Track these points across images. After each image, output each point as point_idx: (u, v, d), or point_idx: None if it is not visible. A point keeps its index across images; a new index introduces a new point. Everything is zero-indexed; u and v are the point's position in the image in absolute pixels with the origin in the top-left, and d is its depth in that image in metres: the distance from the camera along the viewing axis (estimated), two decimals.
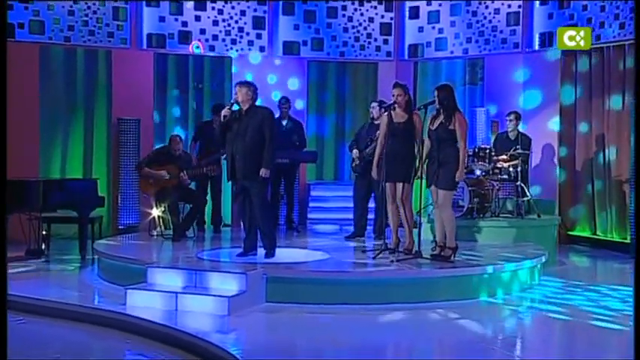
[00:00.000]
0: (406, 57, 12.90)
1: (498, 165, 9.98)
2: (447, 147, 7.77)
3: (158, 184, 9.59)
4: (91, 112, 11.90)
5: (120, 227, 11.46)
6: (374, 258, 7.94)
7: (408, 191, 8.20)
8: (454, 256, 7.85)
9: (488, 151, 9.80)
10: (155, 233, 9.78)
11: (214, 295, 6.77)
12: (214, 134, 10.44)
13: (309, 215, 11.74)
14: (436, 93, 7.81)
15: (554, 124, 11.69)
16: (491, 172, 9.96)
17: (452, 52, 12.54)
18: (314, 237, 10.18)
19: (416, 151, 8.09)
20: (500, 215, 10.06)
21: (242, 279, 6.95)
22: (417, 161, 7.98)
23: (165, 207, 9.86)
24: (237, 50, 12.35)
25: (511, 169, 10.00)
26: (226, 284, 6.97)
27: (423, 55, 12.77)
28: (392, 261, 7.77)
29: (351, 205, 10.35)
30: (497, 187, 9.97)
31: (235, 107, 7.90)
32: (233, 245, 9.04)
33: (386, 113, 8.24)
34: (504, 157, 10.07)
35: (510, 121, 10.49)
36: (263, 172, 7.72)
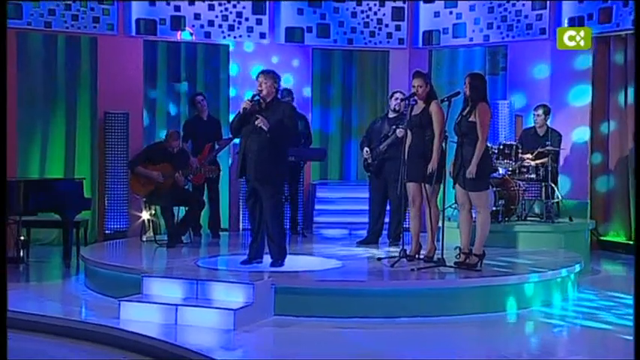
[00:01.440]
0: (420, 45, 12.83)
1: (525, 163, 9.92)
2: (469, 143, 7.73)
3: (151, 184, 9.54)
4: (73, 105, 11.82)
5: (107, 232, 11.39)
6: (392, 266, 7.90)
7: (432, 192, 8.14)
8: (481, 265, 7.80)
9: (514, 148, 9.72)
10: (145, 238, 9.72)
11: (218, 308, 6.72)
12: (203, 129, 10.47)
13: (315, 218, 11.71)
14: (467, 81, 7.76)
15: (584, 118, 11.61)
16: (517, 172, 9.90)
17: (471, 40, 12.47)
18: (322, 242, 10.16)
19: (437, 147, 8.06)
20: (527, 219, 10.03)
21: (249, 290, 6.91)
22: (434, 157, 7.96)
23: (155, 210, 9.82)
24: (234, 37, 12.25)
25: (539, 167, 9.91)
26: (231, 295, 6.92)
27: (438, 42, 12.70)
28: (412, 269, 7.72)
29: (360, 207, 10.37)
30: (523, 188, 9.89)
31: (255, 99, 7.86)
32: (234, 252, 9.01)
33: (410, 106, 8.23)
34: (529, 154, 10.02)
35: (539, 115, 10.44)
36: (260, 121, 7.58)
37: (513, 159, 9.72)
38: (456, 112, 8.02)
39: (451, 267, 7.76)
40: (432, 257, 8.12)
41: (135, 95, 11.81)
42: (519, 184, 9.91)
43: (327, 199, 11.99)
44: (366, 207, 10.03)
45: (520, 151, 9.81)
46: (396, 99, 9.60)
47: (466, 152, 7.71)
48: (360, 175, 13.18)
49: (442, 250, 7.85)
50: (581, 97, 11.59)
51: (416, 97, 8.16)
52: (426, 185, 8.08)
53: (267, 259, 7.94)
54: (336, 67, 13.30)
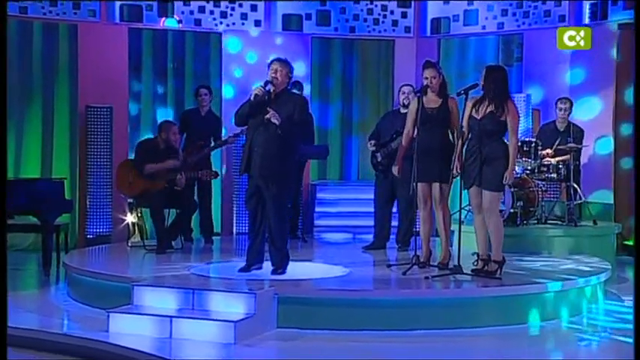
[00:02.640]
0: (428, 33, 12.81)
1: (545, 162, 9.88)
2: (494, 141, 7.71)
3: (140, 185, 9.44)
4: (50, 98, 11.79)
5: (88, 237, 11.36)
6: (404, 274, 7.85)
7: (445, 193, 8.12)
8: (500, 272, 7.75)
9: (533, 145, 9.69)
10: (131, 243, 9.69)
11: (217, 320, 6.66)
12: (199, 124, 10.39)
13: (316, 221, 11.71)
14: (484, 73, 7.71)
15: (608, 112, 11.56)
16: (536, 171, 9.86)
17: (483, 28, 12.45)
18: (325, 248, 10.17)
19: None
20: (548, 222, 10.00)
21: (250, 300, 6.85)
22: (454, 156, 7.90)
23: (141, 212, 9.74)
24: (227, 25, 12.17)
25: (560, 166, 9.87)
26: (231, 306, 6.87)
27: (448, 30, 12.68)
28: (426, 278, 7.68)
29: (364, 209, 10.30)
30: (543, 188, 9.85)
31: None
32: (229, 258, 9.00)
33: (416, 99, 8.17)
34: (548, 151, 10.01)
35: (565, 109, 10.40)
36: (272, 115, 7.54)
37: (532, 157, 9.68)
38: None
39: (468, 275, 7.72)
40: (447, 264, 8.07)
41: (119, 87, 11.75)
42: (539, 185, 9.86)
43: (327, 200, 11.98)
44: (371, 209, 10.02)
45: (540, 148, 9.77)
46: (404, 93, 9.55)
47: (490, 150, 7.67)
48: (361, 174, 13.20)
49: (458, 256, 7.79)
50: (606, 88, 11.54)
51: (428, 88, 8.10)
52: (442, 185, 8.05)
53: (267, 265, 7.90)
54: (336, 57, 13.27)
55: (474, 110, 7.77)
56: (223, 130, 11.00)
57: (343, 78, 13.27)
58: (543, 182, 9.97)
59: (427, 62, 8.26)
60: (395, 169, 8.47)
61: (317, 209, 11.80)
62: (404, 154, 8.31)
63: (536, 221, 9.88)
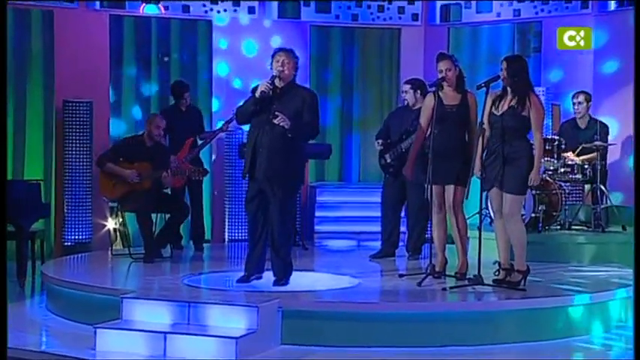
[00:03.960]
0: (437, 21, 12.80)
1: (569, 161, 9.88)
2: (516, 138, 7.71)
3: (125, 186, 9.43)
4: (22, 92, 11.67)
5: (66, 244, 11.27)
6: (419, 285, 7.84)
7: (461, 196, 8.11)
8: (525, 283, 7.74)
9: (556, 143, 9.68)
10: (114, 252, 9.71)
11: (216, 336, 6.64)
12: (182, 121, 10.35)
13: (316, 227, 11.75)
14: (504, 65, 7.71)
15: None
16: (558, 171, 9.86)
17: (498, 15, 12.42)
18: (329, 256, 10.22)
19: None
20: (572, 227, 10.01)
21: (252, 314, 6.84)
22: (475, 156, 7.88)
23: (124, 217, 9.69)
24: (218, 11, 12.12)
25: (586, 166, 9.85)
26: (231, 321, 6.85)
27: (459, 18, 12.67)
28: (444, 289, 7.69)
29: (369, 214, 10.30)
30: (567, 191, 9.86)
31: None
32: (224, 267, 9.05)
33: (431, 94, 8.18)
34: (570, 154, 10.02)
35: (580, 103, 10.37)
36: (281, 119, 7.51)
37: (555, 156, 9.67)
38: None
39: (489, 286, 7.71)
40: (465, 274, 8.08)
41: (100, 80, 11.68)
42: (562, 187, 9.86)
43: (328, 204, 11.99)
44: (375, 213, 10.02)
45: (564, 146, 9.78)
46: (406, 91, 9.59)
47: (512, 149, 7.66)
48: (362, 175, 13.16)
49: (479, 265, 7.75)
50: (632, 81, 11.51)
51: (444, 82, 8.09)
52: (459, 188, 8.06)
53: (267, 275, 7.90)
54: (335, 47, 13.24)
55: (494, 106, 7.77)
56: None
57: (343, 70, 13.24)
58: (567, 184, 9.95)
59: (441, 54, 8.28)
60: (407, 172, 8.39)
61: (317, 213, 11.78)
62: (416, 155, 8.25)
63: (559, 227, 9.89)
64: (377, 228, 9.98)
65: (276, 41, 12.14)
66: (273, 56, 7.78)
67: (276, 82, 7.67)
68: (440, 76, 8.09)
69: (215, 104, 12.17)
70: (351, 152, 13.27)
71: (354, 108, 13.23)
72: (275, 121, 7.51)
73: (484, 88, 7.77)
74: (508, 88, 7.72)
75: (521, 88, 7.67)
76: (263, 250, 7.85)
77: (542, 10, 12.09)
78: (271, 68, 7.76)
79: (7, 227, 8.43)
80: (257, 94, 7.62)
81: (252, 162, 7.69)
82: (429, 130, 8.05)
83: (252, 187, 7.81)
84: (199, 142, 10.65)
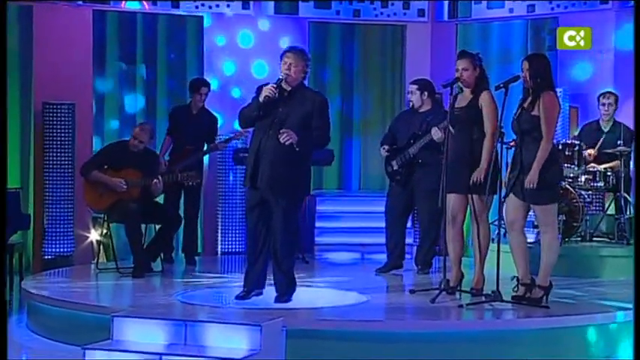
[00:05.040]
0: (445, 17, 12.80)
1: (590, 168, 9.86)
2: (531, 142, 7.68)
3: (112, 195, 9.40)
4: None
5: (46, 257, 11.23)
6: (432, 302, 7.81)
7: (482, 206, 8.10)
8: (547, 299, 7.74)
9: (576, 148, 9.66)
10: (99, 266, 9.71)
11: (216, 357, 6.49)
12: (190, 125, 10.30)
13: (316, 239, 11.72)
14: (525, 66, 7.69)
15: None
16: (579, 179, 9.84)
17: (511, 11, 12.41)
18: (331, 270, 10.22)
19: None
20: (594, 239, 9.98)
21: (255, 333, 6.67)
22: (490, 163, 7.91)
23: (108, 228, 9.66)
24: (210, 7, 12.09)
25: (609, 173, 9.84)
26: (231, 341, 6.68)
27: (469, 14, 12.68)
28: (460, 306, 7.68)
29: (373, 224, 10.42)
30: (588, 200, 9.83)
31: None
32: (219, 283, 9.06)
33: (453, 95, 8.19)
34: (591, 151, 10.04)
35: (609, 104, 10.37)
36: (287, 136, 7.45)
37: (576, 162, 9.66)
38: (513, 103, 7.92)
39: (508, 302, 7.69)
40: (481, 289, 8.06)
41: (83, 81, 11.67)
42: (583, 195, 9.86)
43: (328, 214, 11.95)
44: (379, 224, 10.02)
45: (585, 151, 9.78)
46: (412, 92, 9.59)
47: (528, 154, 7.64)
48: (363, 183, 13.12)
49: (497, 280, 7.72)
50: None
51: (460, 83, 8.10)
52: (475, 197, 8.03)
53: (268, 292, 7.86)
54: (334, 44, 13.23)
55: (517, 111, 7.80)
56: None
57: (342, 69, 13.26)
58: (588, 192, 9.92)
59: (462, 52, 8.30)
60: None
61: (317, 224, 11.76)
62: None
63: (579, 238, 9.89)
64: (381, 240, 9.97)
65: (272, 39, 12.17)
66: (281, 57, 7.72)
67: (283, 84, 7.61)
68: (456, 75, 8.09)
69: None
70: (351, 158, 13.27)
71: (355, 110, 13.23)
72: (281, 140, 7.45)
73: (503, 89, 7.74)
74: (529, 89, 7.69)
75: (538, 87, 7.65)
76: (264, 265, 7.81)
77: (559, 6, 12.08)
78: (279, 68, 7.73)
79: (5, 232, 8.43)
80: (261, 99, 7.56)
81: (255, 169, 7.63)
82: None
83: (253, 196, 7.75)
84: (204, 149, 10.63)
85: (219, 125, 10.93)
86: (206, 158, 11.17)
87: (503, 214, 8.18)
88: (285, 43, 12.14)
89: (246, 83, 11.51)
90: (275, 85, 7.57)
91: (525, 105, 7.69)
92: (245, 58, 12.17)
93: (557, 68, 12.12)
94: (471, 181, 7.90)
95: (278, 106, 7.59)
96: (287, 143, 7.45)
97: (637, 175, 9.71)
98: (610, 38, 11.71)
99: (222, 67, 12.23)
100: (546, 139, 7.58)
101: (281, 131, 7.47)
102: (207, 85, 10.75)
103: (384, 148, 9.68)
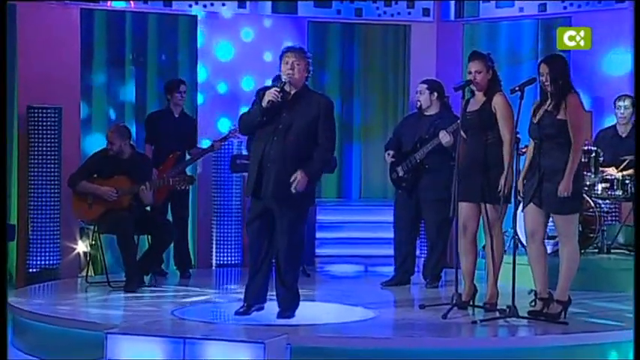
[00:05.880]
0: (451, 17, 12.79)
1: (607, 176, 9.84)
2: (554, 148, 7.66)
3: (102, 205, 9.39)
4: None
5: (31, 270, 11.14)
6: (444, 317, 7.80)
7: (496, 215, 8.09)
8: (565, 315, 7.72)
9: (593, 154, 9.65)
10: (89, 279, 9.73)
11: None
12: (172, 129, 10.26)
13: (317, 250, 11.69)
14: (544, 70, 7.68)
15: None
16: (597, 187, 9.81)
17: (521, 10, 12.39)
18: (335, 283, 10.26)
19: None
20: (612, 251, 9.98)
21: (257, 350, 6.71)
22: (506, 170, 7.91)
23: (96, 239, 9.75)
24: (204, 6, 12.07)
25: (627, 181, 9.83)
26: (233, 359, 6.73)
27: (476, 13, 12.65)
28: (474, 322, 7.67)
29: (377, 235, 10.51)
30: (605, 209, 9.83)
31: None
32: (215, 297, 9.12)
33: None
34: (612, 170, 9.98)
35: (625, 108, 10.32)
36: (296, 175, 7.43)
37: (593, 170, 9.65)
38: (527, 106, 7.90)
39: (525, 318, 7.67)
40: (495, 304, 8.05)
41: (70, 83, 11.59)
42: (600, 205, 9.84)
43: (328, 224, 11.94)
44: (382, 234, 10.19)
45: (602, 159, 9.75)
46: (421, 92, 9.58)
47: (550, 161, 7.63)
48: (364, 191, 13.14)
49: (513, 294, 7.68)
50: None
51: (472, 86, 8.10)
52: (488, 207, 8.01)
53: (270, 306, 7.85)
54: (333, 45, 13.24)
55: (533, 116, 7.78)
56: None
57: (341, 71, 13.27)
58: (605, 201, 9.89)
59: (474, 53, 8.30)
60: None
61: (318, 235, 11.73)
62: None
63: (596, 250, 9.87)
64: (384, 251, 10.09)
65: (269, 39, 12.12)
66: (281, 57, 7.67)
67: (286, 87, 7.56)
68: (468, 77, 8.10)
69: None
70: (351, 165, 13.27)
71: (355, 114, 13.24)
72: (293, 190, 7.44)
73: (518, 93, 7.72)
74: (548, 93, 7.69)
75: (560, 89, 7.65)
76: (266, 278, 7.78)
77: (572, 5, 12.06)
78: (279, 71, 7.66)
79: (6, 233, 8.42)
80: (264, 104, 7.49)
81: (258, 179, 7.57)
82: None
83: (256, 206, 7.72)
84: (187, 157, 10.63)
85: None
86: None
87: (522, 225, 8.13)
88: (284, 44, 12.14)
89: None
90: (278, 89, 7.51)
91: (548, 108, 7.67)
92: (238, 60, 12.10)
93: (572, 70, 12.07)
94: (500, 191, 7.87)
95: (282, 110, 7.54)
96: (300, 189, 7.47)
97: (637, 178, 9.67)
98: (627, 39, 11.67)
99: (215, 70, 12.17)
100: (578, 143, 7.61)
101: (291, 181, 7.45)
102: (185, 83, 10.79)
103: (388, 154, 9.67)
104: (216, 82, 12.08)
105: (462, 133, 8.10)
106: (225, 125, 11.71)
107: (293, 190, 7.44)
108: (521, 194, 7.84)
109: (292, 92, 7.60)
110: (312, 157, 7.55)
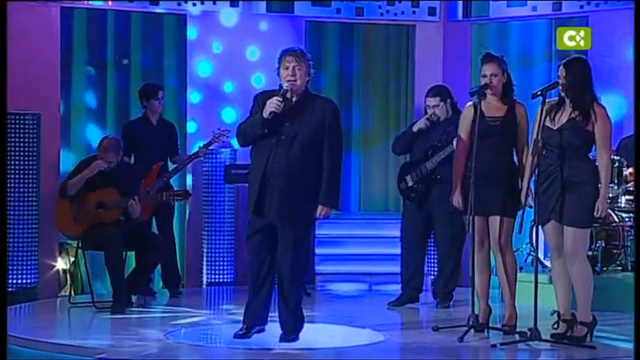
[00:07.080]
0: (459, 16, 12.75)
1: (631, 187, 9.85)
2: (578, 158, 7.68)
3: (87, 219, 9.40)
4: None
5: (8, 290, 10.98)
6: (460, 340, 7.78)
7: (508, 230, 8.10)
8: (592, 337, 7.71)
9: (616, 164, 9.64)
10: (70, 300, 9.70)
11: None
12: (151, 137, 10.22)
13: (317, 267, 11.65)
14: (562, 73, 7.70)
15: None
16: (620, 200, 9.85)
17: (534, 9, 12.37)
18: (338, 303, 10.27)
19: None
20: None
21: None
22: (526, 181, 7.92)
23: (77, 256, 9.79)
24: (193, 5, 12.03)
25: None
26: None
27: (486, 13, 12.62)
28: (494, 345, 7.66)
29: (381, 250, 10.58)
30: (629, 223, 9.84)
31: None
32: (210, 318, 9.15)
33: (471, 105, 8.19)
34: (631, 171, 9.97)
35: None
36: (320, 210, 7.51)
37: (616, 181, 9.63)
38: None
39: (547, 341, 7.66)
40: (514, 326, 8.06)
41: (49, 88, 11.53)
42: (624, 218, 9.84)
43: (329, 239, 11.87)
44: (386, 250, 10.22)
45: (626, 169, 9.77)
46: (435, 105, 9.57)
47: (572, 171, 7.62)
48: (363, 204, 13.11)
49: (535, 316, 7.64)
50: None
51: (488, 90, 8.12)
52: (505, 220, 8.06)
53: (271, 328, 7.81)
54: (331, 47, 13.25)
55: (548, 119, 7.73)
56: None
57: (340, 74, 13.28)
58: (629, 215, 9.88)
59: (487, 55, 8.33)
60: (455, 199, 8.26)
61: (317, 251, 11.66)
62: (461, 180, 8.19)
63: (620, 267, 9.87)
64: (389, 268, 10.13)
65: (264, 41, 12.12)
66: (280, 60, 7.60)
67: (288, 95, 7.51)
68: (483, 82, 8.11)
69: (191, 125, 12.05)
70: (350, 175, 13.23)
71: (354, 120, 13.24)
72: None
73: (540, 97, 7.72)
74: (566, 98, 7.69)
75: (583, 95, 7.64)
76: (267, 297, 7.74)
77: (589, 4, 12.05)
78: (278, 74, 7.60)
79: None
80: (266, 115, 7.43)
81: (261, 195, 7.51)
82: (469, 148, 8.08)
83: (257, 221, 7.67)
84: (170, 166, 10.58)
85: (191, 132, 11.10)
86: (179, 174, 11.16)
87: (545, 240, 8.19)
88: (279, 45, 12.11)
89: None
90: (280, 99, 7.44)
91: (575, 116, 7.66)
92: (231, 62, 12.06)
93: None
94: (529, 207, 7.86)
95: (284, 120, 7.48)
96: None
97: (637, 176, 9.67)
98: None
99: (206, 73, 12.12)
100: (608, 159, 7.68)
101: (317, 217, 7.55)
102: (163, 88, 10.81)
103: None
104: (210, 81, 12.05)
105: (471, 140, 8.08)
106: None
107: (318, 214, 7.55)
108: (536, 206, 7.76)
109: (295, 99, 7.55)
110: (325, 180, 7.54)
